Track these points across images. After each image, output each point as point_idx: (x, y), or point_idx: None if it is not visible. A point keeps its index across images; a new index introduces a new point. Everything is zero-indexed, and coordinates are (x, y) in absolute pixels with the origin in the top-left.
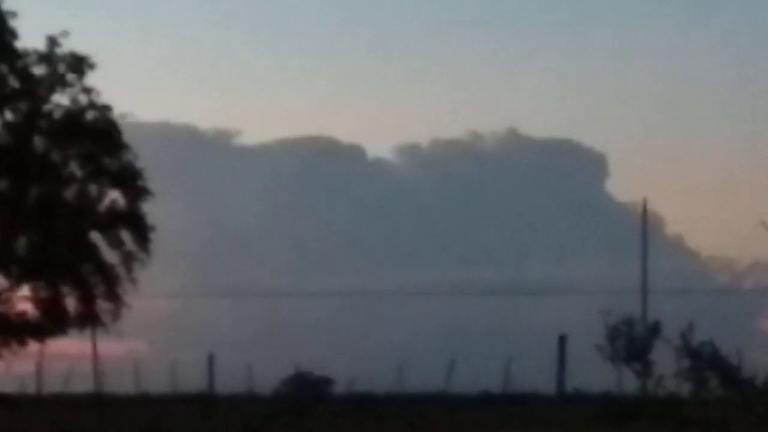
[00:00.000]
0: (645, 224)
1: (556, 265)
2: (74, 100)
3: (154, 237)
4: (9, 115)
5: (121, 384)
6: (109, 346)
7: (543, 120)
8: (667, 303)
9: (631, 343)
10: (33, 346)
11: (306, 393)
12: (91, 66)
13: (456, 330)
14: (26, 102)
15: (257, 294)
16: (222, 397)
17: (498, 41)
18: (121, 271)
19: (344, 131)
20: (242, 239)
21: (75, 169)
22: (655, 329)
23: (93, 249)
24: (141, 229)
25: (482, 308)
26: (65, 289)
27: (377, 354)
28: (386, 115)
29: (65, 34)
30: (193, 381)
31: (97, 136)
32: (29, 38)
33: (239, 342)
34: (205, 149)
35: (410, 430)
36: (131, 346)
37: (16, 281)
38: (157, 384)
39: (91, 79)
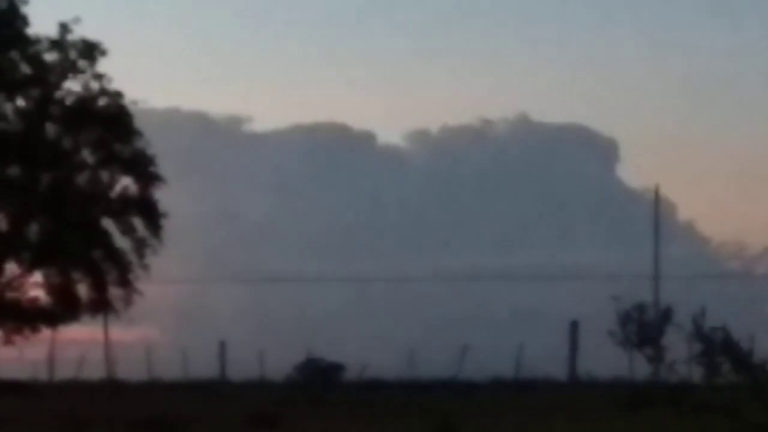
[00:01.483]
0: (657, 210)
1: (567, 251)
2: (86, 87)
3: (166, 223)
4: (21, 102)
5: (132, 370)
6: (121, 333)
7: (554, 106)
8: (679, 288)
9: (643, 328)
10: (45, 332)
11: (317, 379)
12: (103, 52)
13: (467, 316)
14: (38, 88)
15: (268, 280)
16: (233, 384)
17: (509, 27)
18: (132, 257)
19: (355, 118)
20: (254, 226)
21: (86, 155)
22: (666, 315)
23: (105, 235)
24: (153, 216)
25: (493, 294)
26: (77, 276)
27: (389, 340)
28: (397, 101)
29: (77, 20)
30: (204, 367)
31: (109, 122)
32: (41, 25)
33: (251, 328)
34: (216, 136)
35: (422, 416)
36: (143, 332)
37: (28, 268)
38: (168, 370)
39: (102, 65)
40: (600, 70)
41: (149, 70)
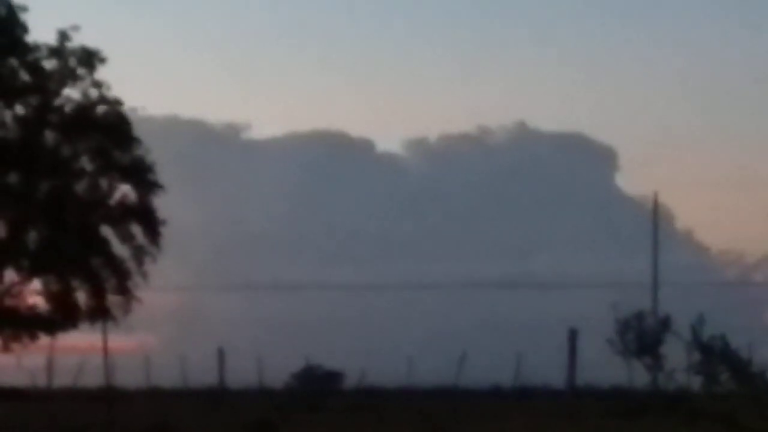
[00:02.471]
0: (655, 218)
1: (566, 259)
2: (85, 94)
3: (165, 231)
4: (20, 109)
5: (131, 378)
6: (120, 340)
7: (552, 114)
8: (678, 297)
9: (642, 337)
10: (43, 339)
11: (316, 387)
12: (102, 60)
13: (466, 324)
14: (37, 96)
15: (267, 288)
16: (232, 391)
17: (507, 36)
18: (131, 265)
19: (354, 125)
20: (252, 233)
21: (85, 163)
22: (665, 323)
23: (103, 243)
24: (152, 223)
25: (492, 302)
26: (76, 283)
27: (387, 348)
28: (395, 109)
29: (76, 28)
30: (203, 375)
31: (108, 130)
32: (40, 32)
33: (249, 336)
34: (214, 143)
35: (420, 423)
36: (142, 340)
37: (27, 275)
38: (167, 378)
39: (101, 73)
40: (598, 78)
41: (148, 78)
